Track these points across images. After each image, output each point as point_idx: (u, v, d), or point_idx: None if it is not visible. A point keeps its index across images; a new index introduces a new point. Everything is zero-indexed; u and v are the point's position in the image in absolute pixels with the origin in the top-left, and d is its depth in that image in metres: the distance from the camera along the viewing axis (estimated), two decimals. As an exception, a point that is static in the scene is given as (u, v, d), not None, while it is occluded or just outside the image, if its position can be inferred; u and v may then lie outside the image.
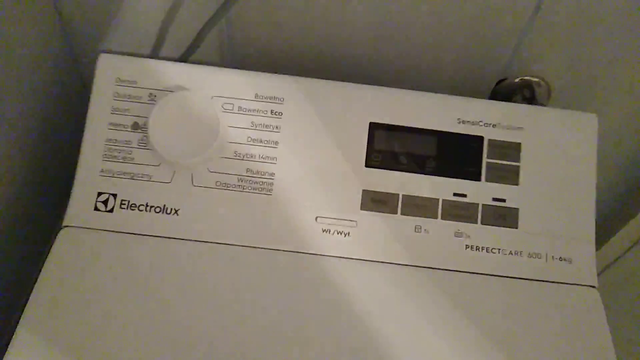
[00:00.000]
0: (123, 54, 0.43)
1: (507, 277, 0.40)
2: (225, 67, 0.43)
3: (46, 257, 0.39)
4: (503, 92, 0.53)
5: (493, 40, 0.47)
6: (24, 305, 0.37)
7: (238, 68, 0.43)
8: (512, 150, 0.42)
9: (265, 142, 0.41)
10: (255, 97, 0.42)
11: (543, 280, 0.40)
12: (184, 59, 0.49)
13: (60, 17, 0.47)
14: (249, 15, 0.46)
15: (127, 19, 0.47)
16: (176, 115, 0.39)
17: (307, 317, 0.38)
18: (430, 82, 0.52)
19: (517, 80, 0.52)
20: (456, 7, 0.44)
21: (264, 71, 0.43)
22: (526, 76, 0.51)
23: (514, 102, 0.53)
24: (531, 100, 0.51)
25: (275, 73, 0.43)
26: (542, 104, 0.49)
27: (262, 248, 0.40)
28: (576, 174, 0.42)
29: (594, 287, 0.40)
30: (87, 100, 0.42)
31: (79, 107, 0.43)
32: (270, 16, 0.46)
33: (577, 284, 0.40)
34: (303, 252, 0.40)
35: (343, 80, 0.43)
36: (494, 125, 0.42)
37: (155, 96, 0.41)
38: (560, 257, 0.41)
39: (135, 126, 0.41)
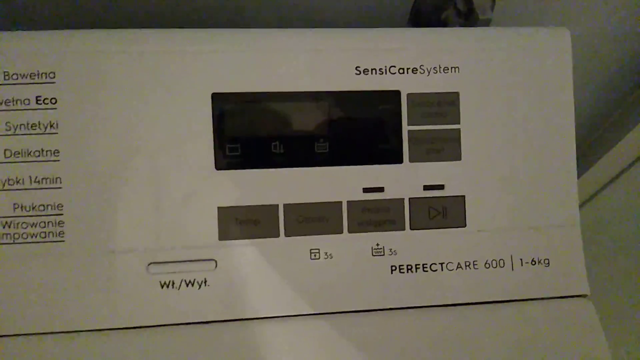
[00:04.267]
0: None
1: (457, 305, 0.26)
2: None
3: None
4: (426, 9, 0.37)
5: None
6: None
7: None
8: (446, 106, 0.27)
9: (37, 153, 0.24)
10: (5, 78, 0.24)
11: (511, 300, 0.27)
12: None
13: None
14: None
15: None
16: None
17: None
18: (318, 14, 0.35)
19: (443, -14, 0.35)
20: None
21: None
22: (456, -20, 0.35)
23: (445, 20, 0.36)
24: (468, 13, 0.35)
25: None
26: (482, 16, 0.33)
27: (61, 333, 0.24)
28: (544, 126, 0.27)
29: (585, 296, 0.27)
30: None
31: None
32: None
33: (561, 297, 0.27)
34: (136, 327, 0.25)
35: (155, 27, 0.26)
36: (414, 70, 0.26)
37: None
38: (533, 260, 0.27)
39: None
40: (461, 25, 0.35)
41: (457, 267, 0.26)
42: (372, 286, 0.26)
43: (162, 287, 0.25)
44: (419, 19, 0.37)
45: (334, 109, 0.26)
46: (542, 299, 0.27)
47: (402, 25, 0.38)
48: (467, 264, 0.27)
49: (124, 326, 0.24)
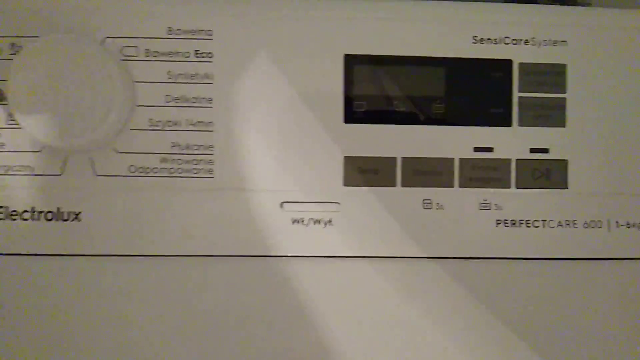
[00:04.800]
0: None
1: (557, 259, 0.29)
2: None
3: None
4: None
5: None
6: None
7: None
8: (554, 76, 0.29)
9: (194, 100, 0.28)
10: (169, 33, 0.28)
11: (607, 259, 0.29)
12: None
13: None
14: None
15: None
16: (49, 74, 0.25)
17: (289, 348, 0.26)
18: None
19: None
20: None
21: None
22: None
23: (542, 3, 0.39)
24: (565, -1, 0.37)
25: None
26: (587, 2, 0.35)
27: (205, 256, 0.28)
28: (646, 101, 0.29)
29: (677, 260, 0.29)
30: None
31: None
32: None
33: (655, 258, 0.29)
34: (267, 256, 0.28)
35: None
36: (525, 42, 0.29)
37: (20, 47, 0.27)
38: (628, 223, 0.29)
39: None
40: (558, 3, 0.37)
41: (558, 225, 0.29)
42: (478, 237, 0.28)
43: (293, 223, 0.28)
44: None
45: (451, 74, 0.29)
46: (636, 259, 0.29)
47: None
48: (567, 222, 0.29)
49: (258, 254, 0.28)
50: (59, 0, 0.28)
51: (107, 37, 0.27)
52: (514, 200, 0.29)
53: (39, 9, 0.28)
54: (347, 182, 0.28)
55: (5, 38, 0.27)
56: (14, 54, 0.27)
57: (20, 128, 0.27)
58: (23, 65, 0.25)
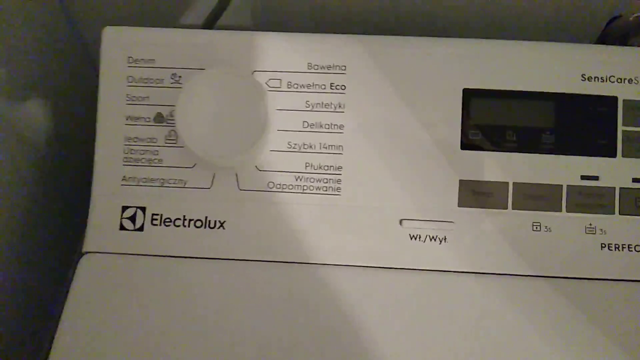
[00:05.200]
0: (133, 25, 0.33)
1: (660, 283, 0.30)
2: (262, 30, 0.33)
3: (67, 293, 0.31)
4: (616, 34, 0.41)
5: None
6: (48, 351, 0.30)
7: (277, 30, 0.33)
8: (657, 112, 0.31)
9: (327, 126, 0.32)
10: (308, 68, 0.32)
11: None
12: (209, 24, 0.40)
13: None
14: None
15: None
16: (210, 101, 0.30)
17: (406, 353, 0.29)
18: (521, 26, 0.41)
19: (633, 17, 0.40)
20: None
21: (307, 31, 0.33)
22: (648, 9, 0.39)
23: (631, 46, 0.41)
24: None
25: (322, 29, 0.33)
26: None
27: (332, 265, 0.31)
28: None
29: None
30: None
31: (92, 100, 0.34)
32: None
33: None
34: (388, 268, 0.31)
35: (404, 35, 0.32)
36: (629, 81, 0.31)
37: (180, 77, 0.32)
38: None
39: (159, 118, 0.32)
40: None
41: (660, 251, 0.31)
42: (584, 259, 0.31)
43: (411, 239, 0.31)
44: (607, 42, 0.42)
45: (562, 108, 0.31)
46: None
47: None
48: (670, 248, 0.31)
49: (378, 265, 0.31)
50: (215, 37, 0.32)
51: (255, 71, 0.32)
52: (618, 225, 0.31)
53: (197, 44, 0.32)
54: (462, 203, 0.31)
55: (167, 69, 0.32)
56: (175, 83, 0.32)
57: (176, 146, 0.32)
58: (191, 93, 0.30)
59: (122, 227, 0.32)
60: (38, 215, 0.38)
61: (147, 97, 0.32)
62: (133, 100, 0.32)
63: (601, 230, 0.31)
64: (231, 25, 0.40)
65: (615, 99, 0.31)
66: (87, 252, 0.32)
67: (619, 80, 0.31)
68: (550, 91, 0.31)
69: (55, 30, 0.40)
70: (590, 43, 0.42)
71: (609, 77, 0.31)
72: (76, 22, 0.41)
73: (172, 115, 0.31)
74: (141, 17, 0.40)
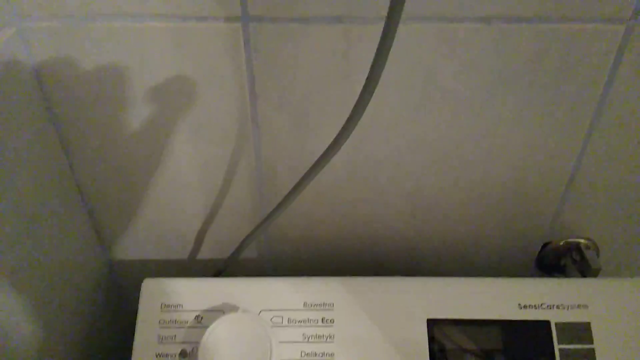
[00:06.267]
0: (166, 275, 0.42)
1: None
2: (264, 263, 0.42)
3: None
4: (549, 256, 0.51)
5: (533, 207, 0.46)
6: None
7: (275, 262, 0.42)
8: (582, 331, 0.39)
9: (320, 355, 0.39)
10: (304, 306, 0.40)
11: None
12: (226, 266, 0.49)
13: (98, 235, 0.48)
14: (286, 220, 0.46)
15: (167, 226, 0.47)
16: (227, 339, 0.37)
17: None
18: (470, 256, 0.51)
19: (562, 243, 0.50)
20: (493, 181, 0.44)
21: (301, 265, 0.42)
22: (571, 238, 0.50)
23: (563, 265, 0.51)
24: (581, 262, 0.49)
25: (315, 267, 0.42)
26: (594, 266, 0.47)
27: None
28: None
29: None
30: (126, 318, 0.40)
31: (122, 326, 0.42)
32: (306, 224, 0.46)
33: None
34: None
35: (383, 275, 0.42)
36: (558, 307, 0.40)
37: (202, 318, 0.40)
38: None
39: (183, 354, 0.39)
40: (577, 270, 0.49)
41: None
42: None
43: None
44: (542, 263, 0.52)
45: (505, 332, 0.39)
46: None
47: (528, 266, 0.52)
48: None
49: None
50: (231, 284, 0.41)
51: (262, 310, 0.40)
52: None
53: (217, 291, 0.41)
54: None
55: (192, 312, 0.40)
56: (197, 323, 0.40)
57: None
58: (212, 335, 0.37)
59: None
60: None
61: (174, 335, 0.40)
62: (163, 341, 0.39)
63: None
64: (238, 259, 0.50)
65: (548, 322, 0.39)
66: None
67: (550, 307, 0.40)
68: (495, 318, 0.40)
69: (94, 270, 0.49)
70: (530, 263, 0.52)
71: (540, 304, 0.40)
72: (114, 269, 0.51)
73: (193, 352, 0.39)
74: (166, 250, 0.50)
